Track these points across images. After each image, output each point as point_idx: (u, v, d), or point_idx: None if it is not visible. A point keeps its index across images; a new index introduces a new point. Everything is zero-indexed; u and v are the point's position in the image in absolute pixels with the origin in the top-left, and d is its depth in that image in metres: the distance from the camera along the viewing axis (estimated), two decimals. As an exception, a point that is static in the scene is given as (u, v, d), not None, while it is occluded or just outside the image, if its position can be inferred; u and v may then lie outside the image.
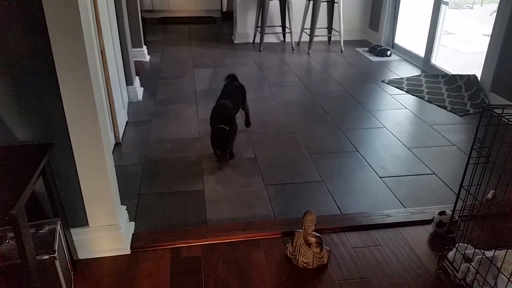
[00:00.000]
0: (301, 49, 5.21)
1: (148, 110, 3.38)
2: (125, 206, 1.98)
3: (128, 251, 1.87)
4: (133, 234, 1.95)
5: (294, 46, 5.29)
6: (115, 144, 2.82)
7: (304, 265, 1.79)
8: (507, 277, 1.49)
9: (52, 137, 1.60)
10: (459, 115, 3.33)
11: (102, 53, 2.53)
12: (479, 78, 3.66)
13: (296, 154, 2.74)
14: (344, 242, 1.95)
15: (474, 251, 1.64)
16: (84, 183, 1.69)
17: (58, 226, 1.59)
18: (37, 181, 1.44)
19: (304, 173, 2.53)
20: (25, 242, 1.29)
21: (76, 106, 1.55)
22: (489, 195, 2.26)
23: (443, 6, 4.17)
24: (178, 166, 2.58)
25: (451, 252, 1.76)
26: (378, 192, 2.34)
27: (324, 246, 1.82)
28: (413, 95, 3.74)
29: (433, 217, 2.01)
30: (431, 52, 4.35)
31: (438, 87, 3.89)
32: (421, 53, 4.53)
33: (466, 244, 1.72)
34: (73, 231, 1.76)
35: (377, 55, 4.92)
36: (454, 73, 4.02)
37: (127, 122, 3.16)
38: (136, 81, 3.61)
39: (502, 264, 1.53)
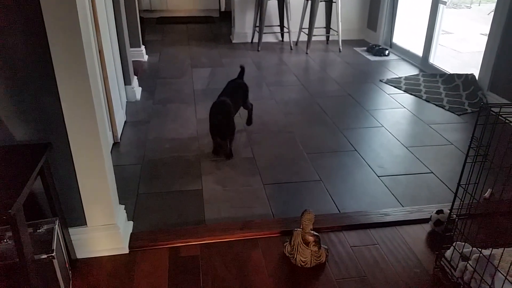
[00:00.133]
0: (300, 49, 5.21)
1: (147, 109, 3.38)
2: (123, 206, 1.98)
3: (127, 251, 1.87)
4: (131, 234, 1.95)
5: (292, 45, 5.29)
6: (113, 144, 2.82)
7: (302, 264, 1.79)
8: (504, 275, 1.50)
9: (50, 137, 1.60)
10: (457, 114, 3.34)
11: (100, 52, 2.53)
12: (477, 77, 3.67)
13: (295, 153, 2.75)
14: (342, 241, 1.95)
15: (472, 250, 1.65)
16: (82, 182, 1.69)
17: (56, 226, 1.59)
18: (35, 180, 1.44)
19: (303, 172, 2.53)
20: (23, 242, 1.29)
21: (74, 106, 1.55)
22: (487, 194, 2.27)
23: (441, 6, 4.18)
24: (177, 166, 2.58)
25: (448, 250, 1.76)
26: (376, 191, 2.35)
27: (322, 245, 1.82)
28: (411, 94, 3.74)
29: (431, 215, 2.02)
30: (429, 51, 4.36)
31: (436, 86, 3.89)
32: (419, 52, 4.54)
33: (463, 243, 1.73)
34: (71, 230, 1.76)
35: (375, 55, 4.93)
36: (452, 72, 4.03)
37: (125, 121, 3.16)
38: (135, 80, 3.61)
39: (499, 263, 1.54)
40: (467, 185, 1.59)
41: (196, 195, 2.30)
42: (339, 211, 2.18)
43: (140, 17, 4.38)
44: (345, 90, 3.83)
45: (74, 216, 1.76)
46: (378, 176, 2.49)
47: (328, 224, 2.03)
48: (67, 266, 1.66)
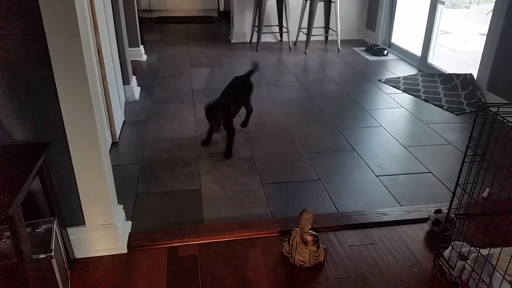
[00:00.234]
0: (298, 49, 5.21)
1: (145, 109, 3.38)
2: (122, 206, 1.98)
3: (125, 250, 1.87)
4: (130, 233, 1.95)
5: (291, 45, 5.29)
6: (112, 144, 2.82)
7: (301, 263, 1.79)
8: (501, 275, 1.50)
9: (49, 136, 1.60)
10: (455, 114, 3.34)
11: (99, 52, 2.53)
12: (475, 77, 3.67)
13: (293, 153, 2.75)
14: (341, 240, 1.96)
15: (470, 249, 1.65)
16: (80, 182, 1.69)
17: (55, 225, 1.59)
18: (34, 180, 1.44)
19: (301, 172, 2.53)
20: (21, 241, 1.29)
21: (73, 105, 1.55)
22: (485, 194, 2.27)
23: (439, 6, 4.19)
24: (175, 166, 2.58)
25: (446, 250, 1.77)
26: (374, 191, 2.35)
27: (320, 245, 1.82)
28: (409, 94, 3.75)
29: (429, 215, 2.02)
30: (428, 51, 4.36)
31: (434, 86, 3.90)
32: (418, 52, 4.54)
33: (461, 242, 1.73)
34: (70, 230, 1.76)
35: (374, 55, 4.93)
36: (450, 72, 4.04)
37: (124, 121, 3.16)
38: (133, 80, 3.61)
39: (497, 262, 1.54)
40: (465, 185, 1.59)
41: (195, 195, 2.30)
42: (338, 211, 2.18)
43: (139, 16, 4.38)
44: (344, 90, 3.84)
45: (73, 215, 1.76)
46: (377, 176, 2.49)
47: (327, 224, 2.04)
48: (65, 265, 1.66)
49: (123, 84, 3.39)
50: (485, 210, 2.12)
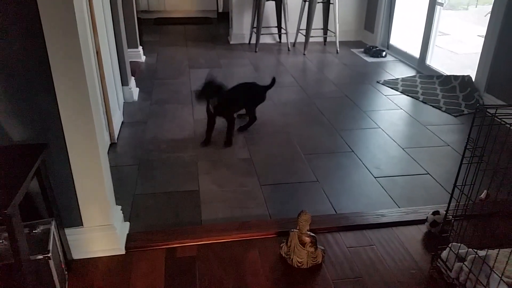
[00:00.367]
0: (297, 50, 5.22)
1: (144, 110, 3.38)
2: (120, 206, 1.98)
3: (123, 251, 1.86)
4: (127, 234, 1.95)
5: (290, 46, 5.30)
6: (110, 144, 2.82)
7: (299, 264, 1.79)
8: (499, 276, 1.50)
9: (47, 137, 1.60)
10: (453, 116, 3.35)
11: (98, 53, 2.53)
12: (473, 79, 3.68)
13: (292, 154, 2.75)
14: (339, 241, 1.96)
15: (467, 251, 1.65)
16: (78, 183, 1.69)
17: (53, 226, 1.59)
18: (32, 181, 1.44)
19: (299, 173, 2.53)
20: (19, 242, 1.29)
21: (71, 106, 1.55)
22: (483, 195, 2.27)
23: (438, 7, 4.20)
24: (173, 166, 2.58)
25: (444, 251, 1.77)
26: (372, 192, 2.35)
27: (318, 246, 1.82)
28: (408, 95, 3.76)
29: (427, 217, 2.02)
30: (426, 53, 4.37)
31: (432, 88, 3.91)
32: (416, 54, 4.55)
33: (459, 244, 1.73)
34: (68, 231, 1.76)
35: (372, 56, 4.94)
36: (448, 73, 4.04)
37: (122, 122, 3.16)
38: (132, 81, 3.61)
39: (494, 264, 1.55)
40: (463, 186, 1.59)
41: (193, 195, 2.30)
42: (336, 212, 2.18)
43: (137, 17, 4.38)
44: (342, 91, 3.84)
45: (71, 216, 1.76)
46: (375, 177, 2.49)
47: (325, 225, 2.04)
48: (63, 266, 1.66)
49: (122, 85, 3.39)
50: (483, 212, 2.12)
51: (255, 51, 5.11)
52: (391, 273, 1.78)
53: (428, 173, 2.54)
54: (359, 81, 4.12)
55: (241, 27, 5.47)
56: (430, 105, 3.54)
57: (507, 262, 1.56)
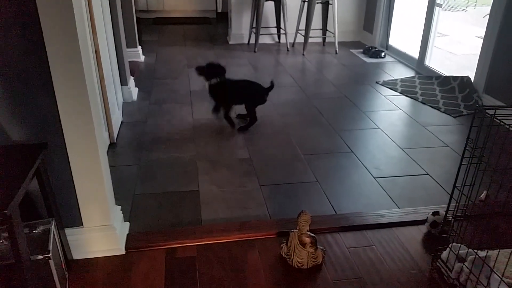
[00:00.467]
0: (296, 50, 5.22)
1: (143, 110, 3.38)
2: (119, 207, 1.98)
3: (123, 252, 1.86)
4: (127, 235, 1.95)
5: (289, 47, 5.30)
6: (109, 144, 2.81)
7: (299, 265, 1.79)
8: (499, 277, 1.50)
9: (46, 137, 1.59)
10: (452, 116, 3.35)
11: (97, 53, 2.53)
12: (472, 80, 3.69)
13: (291, 154, 2.75)
14: (339, 242, 1.96)
15: (468, 251, 1.65)
16: (78, 183, 1.68)
17: (53, 226, 1.58)
18: (31, 181, 1.44)
19: (299, 173, 2.53)
20: (19, 242, 1.28)
21: (71, 106, 1.55)
22: (482, 196, 2.28)
23: (436, 8, 4.20)
24: (173, 166, 2.58)
25: (444, 252, 1.77)
26: (372, 193, 2.35)
27: (318, 246, 1.82)
28: (407, 96, 3.76)
29: (427, 217, 2.02)
30: (425, 53, 4.38)
31: (432, 89, 3.91)
32: (415, 54, 4.56)
33: (459, 244, 1.73)
34: (68, 231, 1.75)
35: (371, 57, 4.94)
36: (447, 74, 4.05)
37: (121, 122, 3.15)
38: (131, 81, 3.61)
39: (494, 264, 1.55)
40: (462, 187, 1.60)
41: (193, 196, 2.30)
42: (336, 212, 2.18)
43: (136, 17, 4.38)
44: (342, 92, 3.84)
45: (71, 216, 1.75)
46: (374, 178, 2.50)
47: (325, 225, 2.04)
48: (63, 267, 1.65)
49: (121, 85, 3.38)
50: (483, 212, 2.13)
51: (254, 51, 5.11)
52: (391, 274, 1.78)
53: (428, 174, 2.54)
54: (358, 82, 4.12)
55: (240, 27, 5.47)
56: (429, 106, 3.55)
57: (507, 262, 1.56)
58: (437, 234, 1.98)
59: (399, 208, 2.21)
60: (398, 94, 3.81)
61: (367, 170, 2.58)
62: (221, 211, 2.18)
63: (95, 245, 1.81)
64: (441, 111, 3.45)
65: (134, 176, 2.47)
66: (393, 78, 4.22)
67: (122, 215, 1.98)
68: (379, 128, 3.14)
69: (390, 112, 3.43)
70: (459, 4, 8.35)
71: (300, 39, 5.33)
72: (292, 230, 1.82)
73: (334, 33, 5.10)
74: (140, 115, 3.29)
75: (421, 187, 2.41)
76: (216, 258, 1.84)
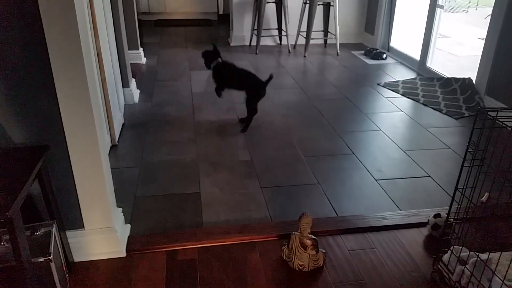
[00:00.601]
0: (297, 52, 5.22)
1: (145, 112, 3.38)
2: (121, 209, 1.98)
3: (124, 254, 1.86)
4: (128, 237, 1.95)
5: (290, 49, 5.30)
6: (111, 146, 2.81)
7: (300, 267, 1.79)
8: (501, 280, 1.50)
9: (48, 139, 1.59)
10: (454, 118, 3.35)
11: (99, 55, 2.53)
12: (474, 81, 3.68)
13: (292, 156, 2.75)
14: (340, 244, 1.96)
15: (469, 254, 1.65)
16: (80, 185, 1.69)
17: (54, 229, 1.58)
18: (33, 183, 1.44)
19: (300, 175, 2.53)
20: (20, 245, 1.29)
21: (72, 108, 1.55)
22: (484, 198, 2.27)
23: (438, 10, 4.20)
24: (174, 169, 2.58)
25: (446, 254, 1.77)
26: (373, 195, 2.35)
27: (320, 249, 1.82)
28: (408, 98, 3.76)
29: (428, 219, 2.02)
30: (427, 55, 4.37)
31: (433, 90, 3.91)
32: (417, 56, 4.55)
33: (461, 247, 1.73)
34: (69, 233, 1.76)
35: (372, 58, 4.94)
36: (449, 76, 4.05)
37: (123, 124, 3.15)
38: (133, 83, 3.61)
39: (496, 267, 1.54)
40: (464, 189, 1.59)
41: (194, 198, 2.30)
42: (337, 215, 2.18)
43: (138, 19, 4.38)
44: (343, 94, 3.84)
45: (72, 219, 1.75)
46: (376, 180, 2.49)
47: (326, 228, 2.03)
48: (64, 269, 1.65)
49: (123, 87, 3.39)
50: (484, 215, 2.12)
51: (256, 53, 5.11)
52: (392, 276, 1.77)
53: (429, 176, 2.54)
54: (360, 83, 4.12)
55: (242, 29, 5.48)
56: (431, 108, 3.54)
57: (509, 265, 1.55)
58: (438, 237, 1.97)
59: (400, 210, 2.21)
60: (400, 95, 3.81)
61: (369, 172, 2.57)
62: (222, 213, 2.18)
63: (96, 248, 1.81)
64: (442, 113, 3.44)
65: (135, 178, 2.47)
66: (394, 80, 4.21)
67: (123, 217, 1.98)
68: (380, 130, 3.14)
69: (391, 113, 3.43)
70: (460, 5, 8.34)
71: (301, 40, 5.33)
72: (293, 233, 1.82)
73: (335, 35, 5.10)
74: (142, 117, 3.29)
75: (422, 189, 2.40)
76: (217, 261, 1.84)
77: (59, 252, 1.61)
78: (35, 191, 1.63)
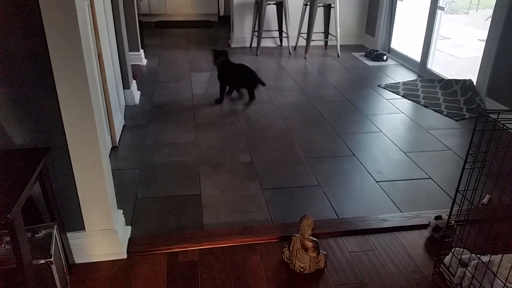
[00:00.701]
0: (298, 54, 5.22)
1: (145, 113, 3.38)
2: (121, 210, 1.98)
3: (125, 256, 1.86)
4: (129, 239, 1.95)
5: (291, 50, 5.30)
6: (112, 148, 2.81)
7: (301, 269, 1.79)
8: (502, 282, 1.50)
9: (49, 141, 1.59)
10: (455, 120, 3.35)
11: (99, 56, 2.53)
12: (474, 83, 3.68)
13: (293, 158, 2.75)
14: (341, 246, 1.95)
15: (470, 256, 1.65)
16: (80, 187, 1.69)
17: (55, 230, 1.58)
18: (34, 185, 1.44)
19: (301, 177, 2.53)
20: (21, 246, 1.28)
21: (74, 110, 1.55)
22: (485, 200, 2.27)
23: (438, 11, 4.20)
24: (175, 170, 2.58)
25: (447, 256, 1.76)
26: (374, 197, 2.35)
27: (321, 251, 1.82)
28: (409, 99, 3.76)
29: (429, 221, 2.02)
30: (427, 56, 4.37)
31: (434, 92, 3.91)
32: (417, 57, 4.55)
33: (462, 249, 1.72)
34: (70, 235, 1.75)
35: (373, 60, 4.94)
36: (450, 77, 4.05)
37: (124, 125, 3.15)
38: (133, 84, 3.61)
39: (498, 269, 1.54)
40: (465, 191, 1.59)
41: (195, 199, 2.30)
42: (338, 217, 2.18)
43: (139, 21, 4.39)
44: (344, 95, 3.84)
45: (73, 220, 1.75)
46: (377, 182, 2.49)
47: (327, 230, 2.03)
48: (65, 271, 1.65)
49: (123, 88, 3.39)
50: (486, 217, 2.12)
51: (256, 55, 5.12)
52: (393, 278, 1.77)
53: (430, 178, 2.53)
54: (360, 85, 4.12)
55: (242, 31, 5.48)
56: (432, 109, 3.54)
57: (510, 267, 1.55)
58: (439, 239, 1.97)
59: (401, 212, 2.21)
60: (400, 97, 3.81)
61: (369, 174, 2.57)
62: (223, 215, 2.18)
63: (97, 249, 1.81)
64: (443, 115, 3.44)
65: (136, 180, 2.47)
66: (395, 81, 4.21)
67: (124, 219, 1.98)
68: (381, 131, 3.14)
69: (392, 115, 3.42)
70: (461, 7, 8.35)
71: (302, 42, 5.33)
72: (294, 235, 1.82)
73: (336, 36, 5.10)
74: (142, 118, 3.29)
75: (423, 191, 2.40)
76: (218, 263, 1.84)
77: (60, 254, 1.61)
78: (36, 193, 1.63)
